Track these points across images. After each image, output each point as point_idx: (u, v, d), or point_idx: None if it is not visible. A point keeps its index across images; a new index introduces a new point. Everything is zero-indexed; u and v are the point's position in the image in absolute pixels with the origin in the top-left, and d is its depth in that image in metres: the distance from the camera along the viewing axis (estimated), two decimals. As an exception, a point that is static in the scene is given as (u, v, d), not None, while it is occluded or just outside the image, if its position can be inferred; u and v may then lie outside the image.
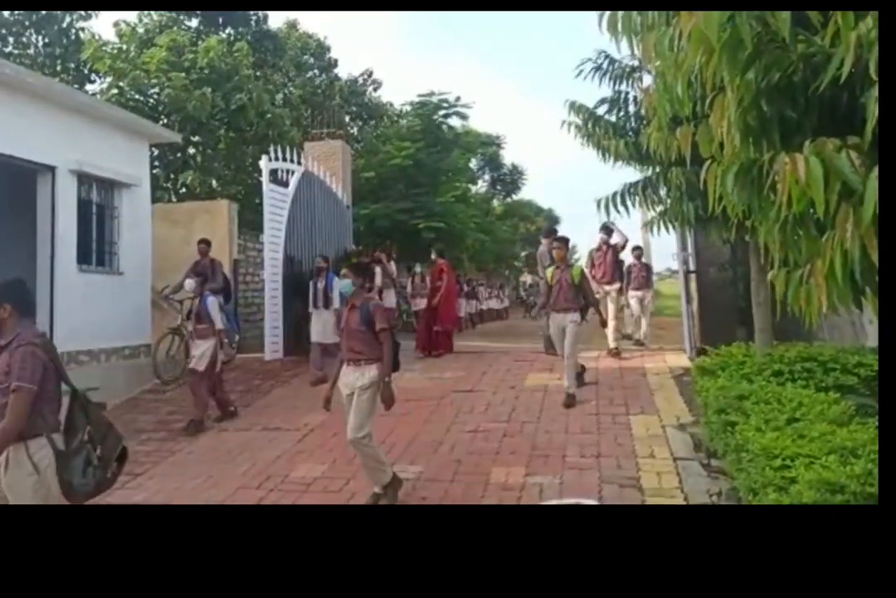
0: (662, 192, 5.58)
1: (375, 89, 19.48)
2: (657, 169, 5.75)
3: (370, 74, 19.35)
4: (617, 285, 8.67)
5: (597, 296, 8.82)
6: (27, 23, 14.82)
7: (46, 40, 15.04)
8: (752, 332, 5.75)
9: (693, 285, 7.69)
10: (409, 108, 18.29)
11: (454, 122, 18.57)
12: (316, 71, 18.24)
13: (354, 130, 18.72)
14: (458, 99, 17.44)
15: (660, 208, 5.70)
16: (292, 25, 17.82)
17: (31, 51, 15.09)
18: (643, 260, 9.72)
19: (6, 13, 14.52)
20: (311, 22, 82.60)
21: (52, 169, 7.27)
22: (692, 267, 7.67)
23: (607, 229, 8.70)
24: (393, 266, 10.39)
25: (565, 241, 6.65)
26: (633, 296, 9.22)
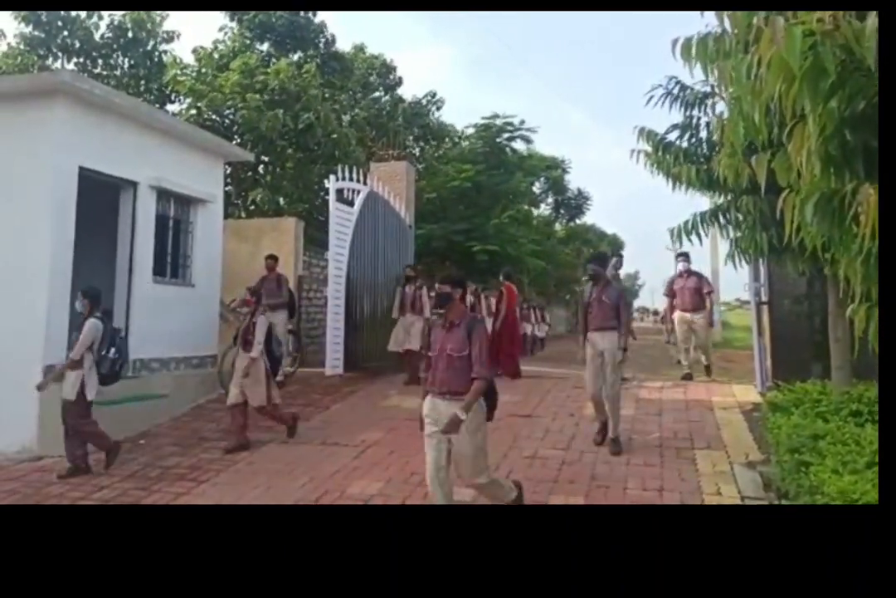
0: (735, 219, 5.46)
1: (438, 108, 19.70)
2: (728, 197, 5.64)
3: (433, 95, 19.63)
4: (700, 314, 8.35)
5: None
6: (115, 46, 15.75)
7: (132, 62, 15.94)
8: (827, 368, 5.51)
9: (765, 317, 7.37)
10: (472, 130, 18.45)
11: (518, 145, 18.62)
12: (381, 91, 18.62)
13: (416, 151, 18.98)
14: (522, 122, 17.51)
15: (732, 237, 5.58)
16: (360, 49, 18.33)
17: (118, 72, 15.99)
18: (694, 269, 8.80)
19: (96, 37, 15.49)
20: (378, 48, 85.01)
21: (134, 184, 7.63)
22: (764, 298, 7.36)
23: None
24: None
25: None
26: (681, 320, 8.47)
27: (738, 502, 4.24)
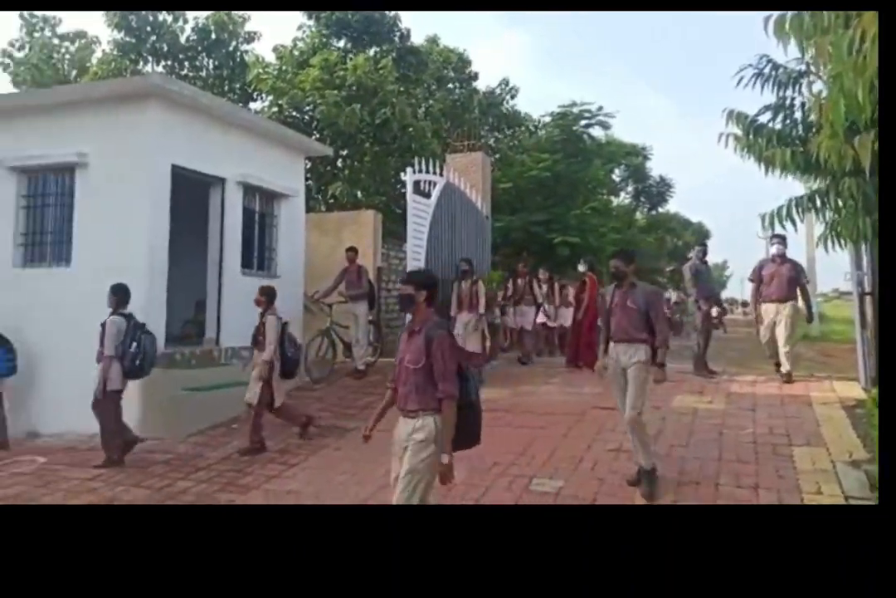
0: (834, 203, 5.17)
1: (513, 96, 19.53)
2: (827, 180, 5.35)
3: (507, 83, 19.45)
4: (788, 305, 7.33)
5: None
6: (199, 48, 16.42)
7: (216, 63, 16.58)
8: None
9: (869, 309, 6.84)
10: (548, 118, 18.19)
11: (596, 132, 18.21)
12: (456, 83, 18.60)
13: (491, 141, 18.86)
14: (600, 108, 17.11)
15: (829, 221, 5.28)
16: (433, 41, 18.32)
17: (203, 73, 16.66)
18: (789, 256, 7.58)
19: (182, 40, 16.17)
20: (452, 39, 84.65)
21: (222, 181, 7.93)
22: (868, 288, 6.82)
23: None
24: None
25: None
26: (767, 311, 7.50)
27: (842, 501, 4.03)
